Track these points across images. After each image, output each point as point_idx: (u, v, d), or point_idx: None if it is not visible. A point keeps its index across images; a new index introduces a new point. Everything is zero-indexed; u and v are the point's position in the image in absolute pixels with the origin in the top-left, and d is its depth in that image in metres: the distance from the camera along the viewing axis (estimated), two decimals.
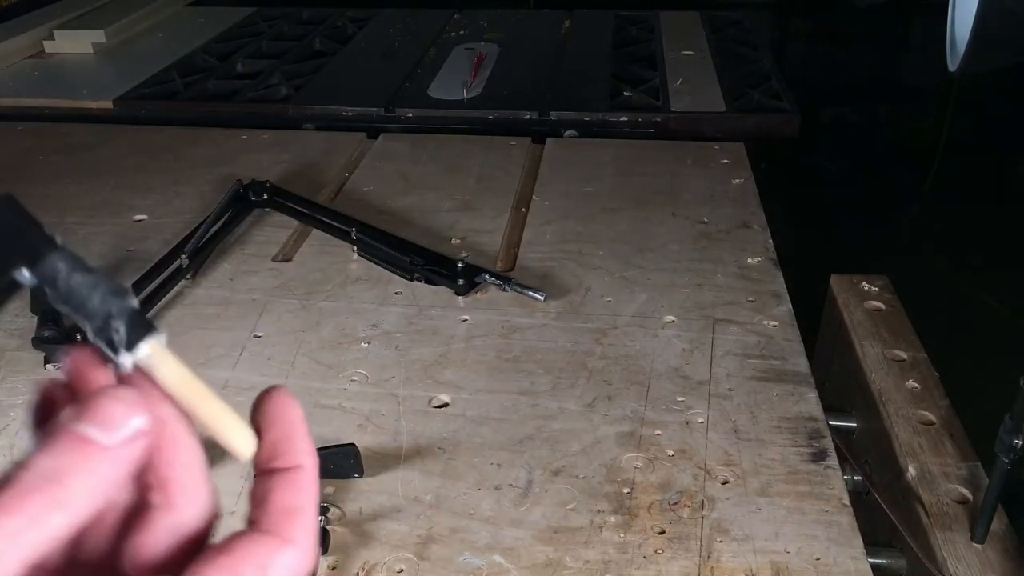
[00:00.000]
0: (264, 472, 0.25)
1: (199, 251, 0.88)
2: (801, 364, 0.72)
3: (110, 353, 0.24)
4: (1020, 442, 0.54)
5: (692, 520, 0.58)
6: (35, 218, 0.24)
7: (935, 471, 0.64)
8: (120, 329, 0.23)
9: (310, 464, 0.25)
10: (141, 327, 0.24)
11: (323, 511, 0.58)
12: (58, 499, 0.21)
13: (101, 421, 0.22)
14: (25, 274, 0.23)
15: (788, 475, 0.61)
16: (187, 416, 0.25)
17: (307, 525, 0.24)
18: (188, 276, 0.85)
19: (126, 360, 0.24)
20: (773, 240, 0.90)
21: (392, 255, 0.87)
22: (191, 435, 0.25)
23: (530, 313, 0.79)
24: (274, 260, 0.89)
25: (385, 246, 0.88)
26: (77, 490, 0.22)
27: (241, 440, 0.25)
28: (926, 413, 0.69)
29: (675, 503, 0.59)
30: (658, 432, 0.65)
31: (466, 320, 0.79)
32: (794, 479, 0.61)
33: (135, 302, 0.24)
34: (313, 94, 1.32)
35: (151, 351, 0.24)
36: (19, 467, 0.22)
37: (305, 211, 0.96)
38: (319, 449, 0.61)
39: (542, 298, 0.80)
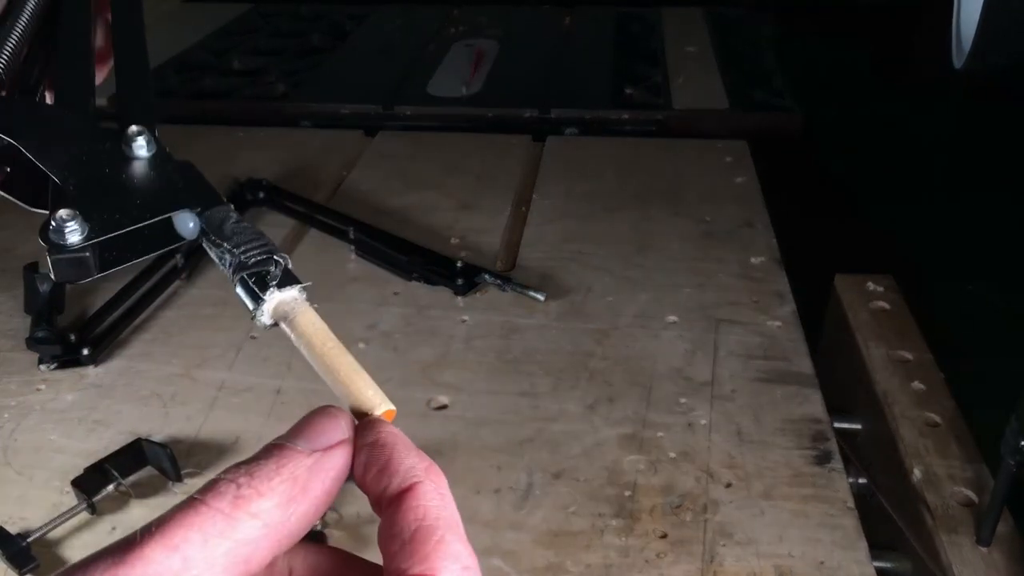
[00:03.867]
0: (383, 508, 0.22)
1: (194, 251, 0.87)
2: (805, 365, 0.71)
3: (254, 292, 0.25)
4: None
5: (695, 523, 0.57)
6: (209, 183, 0.28)
7: (940, 473, 0.63)
8: (274, 271, 0.25)
9: (426, 478, 0.22)
10: (292, 277, 0.26)
11: None
12: (250, 503, 0.20)
13: (304, 435, 0.23)
14: (190, 223, 0.27)
15: (792, 478, 0.60)
16: (319, 368, 0.25)
17: (446, 546, 0.21)
18: (183, 276, 0.84)
19: (271, 300, 0.25)
20: (776, 239, 0.89)
21: (390, 255, 0.86)
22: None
23: (530, 314, 0.78)
24: None
25: (383, 246, 0.87)
26: (272, 495, 0.21)
27: (372, 394, 0.25)
28: (931, 414, 0.68)
29: (677, 506, 0.58)
30: (660, 434, 0.64)
31: (465, 320, 0.78)
32: (798, 482, 0.60)
33: (289, 262, 0.26)
34: (311, 91, 1.32)
35: (296, 296, 0.25)
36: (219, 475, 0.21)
37: (302, 210, 0.95)
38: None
39: (542, 298, 0.79)
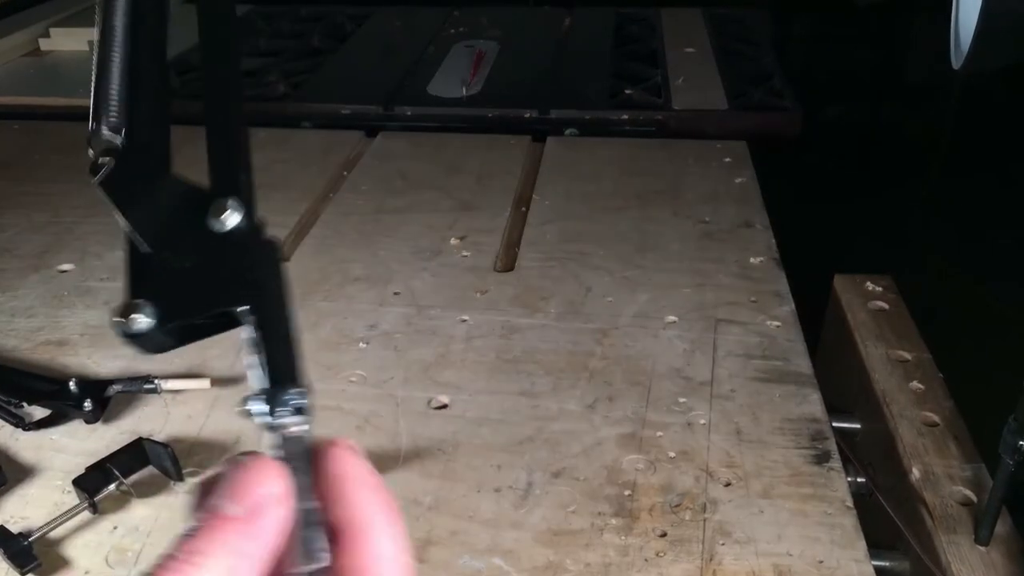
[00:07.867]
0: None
1: None
2: (804, 365, 0.71)
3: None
4: None
5: (694, 522, 0.57)
6: (282, 273, 0.26)
7: (939, 473, 0.63)
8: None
9: (379, 521, 0.23)
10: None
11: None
12: None
13: (235, 495, 0.22)
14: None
15: (791, 477, 0.61)
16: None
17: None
18: None
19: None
20: (775, 239, 0.89)
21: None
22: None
23: (530, 314, 0.79)
24: None
25: None
26: (210, 568, 0.21)
27: None
28: (930, 414, 0.68)
29: (677, 505, 0.58)
30: (659, 433, 0.65)
31: (465, 320, 0.78)
32: (797, 481, 0.60)
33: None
34: (311, 92, 1.32)
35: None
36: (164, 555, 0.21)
37: None
38: None
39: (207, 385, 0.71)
